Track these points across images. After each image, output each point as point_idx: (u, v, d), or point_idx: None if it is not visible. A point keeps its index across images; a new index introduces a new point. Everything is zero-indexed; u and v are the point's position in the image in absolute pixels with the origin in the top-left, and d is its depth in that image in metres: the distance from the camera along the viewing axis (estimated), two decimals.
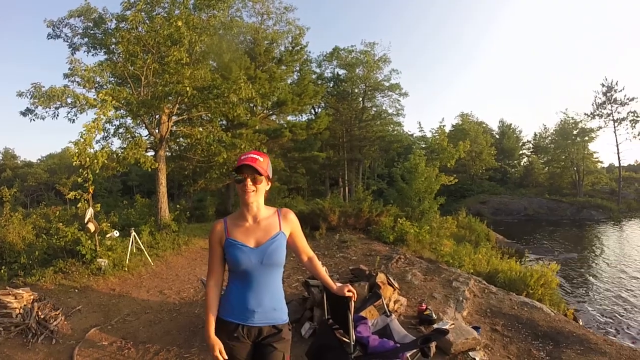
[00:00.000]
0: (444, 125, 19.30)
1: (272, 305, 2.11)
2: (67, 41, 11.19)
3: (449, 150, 16.05)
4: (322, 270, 2.51)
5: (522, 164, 51.16)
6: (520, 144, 51.75)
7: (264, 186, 2.12)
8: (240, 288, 2.09)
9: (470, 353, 4.01)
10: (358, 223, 11.73)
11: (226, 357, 2.08)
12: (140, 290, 6.89)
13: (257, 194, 2.07)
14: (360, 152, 31.95)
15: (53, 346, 4.53)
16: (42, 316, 4.85)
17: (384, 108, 31.83)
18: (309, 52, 34.23)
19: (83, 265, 7.31)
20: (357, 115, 31.55)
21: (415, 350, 3.21)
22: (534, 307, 5.45)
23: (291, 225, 2.22)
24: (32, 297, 5.12)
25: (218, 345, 2.07)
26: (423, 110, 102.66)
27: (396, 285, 5.73)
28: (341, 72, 31.20)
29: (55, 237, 8.00)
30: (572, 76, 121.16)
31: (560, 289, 10.77)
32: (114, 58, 11.22)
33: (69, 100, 9.35)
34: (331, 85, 31.08)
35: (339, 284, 2.62)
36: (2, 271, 7.01)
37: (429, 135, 33.23)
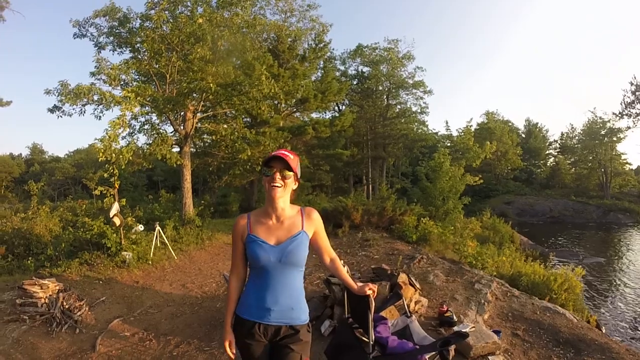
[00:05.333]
0: (470, 125, 18.87)
1: (289, 304, 2.07)
2: (93, 40, 11.45)
3: (474, 150, 15.70)
4: (344, 271, 2.45)
5: (548, 164, 49.99)
6: (547, 144, 50.61)
7: (292, 183, 2.07)
8: (258, 285, 2.07)
9: (489, 357, 3.91)
10: (381, 222, 11.59)
11: (234, 352, 2.14)
12: (163, 284, 6.99)
13: (284, 190, 2.03)
14: (384, 150, 31.67)
15: (76, 335, 4.63)
16: (66, 306, 4.96)
17: (408, 106, 31.47)
18: (333, 49, 34.21)
19: (108, 258, 7.47)
20: (381, 113, 31.25)
21: (434, 353, 3.13)
22: (556, 312, 5.29)
23: (314, 225, 2.17)
24: (57, 287, 5.23)
25: (229, 339, 2.14)
26: (448, 109, 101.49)
27: (417, 285, 5.65)
28: (365, 69, 31.03)
29: (82, 229, 8.20)
30: (601, 75, 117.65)
31: (584, 295, 10.41)
32: (139, 56, 11.42)
33: (95, 98, 9.53)
34: (355, 82, 30.89)
35: (360, 284, 2.59)
36: (29, 262, 7.23)
37: (455, 134, 32.79)
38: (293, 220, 2.11)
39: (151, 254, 8.11)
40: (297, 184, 2.12)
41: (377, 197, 18.49)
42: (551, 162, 49.87)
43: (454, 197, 14.10)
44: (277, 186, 1.99)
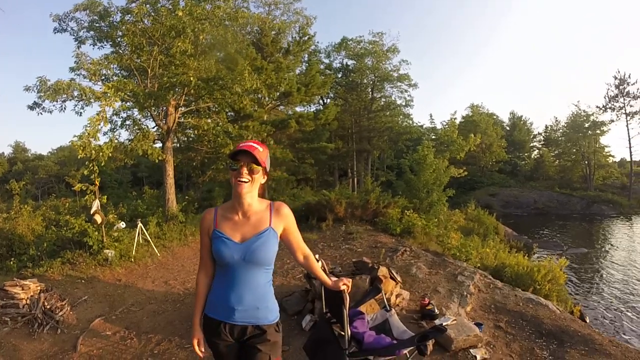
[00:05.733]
0: (455, 118, 19.02)
1: (254, 304, 1.99)
2: (73, 35, 11.23)
3: (458, 142, 15.86)
4: (319, 268, 2.41)
5: (532, 156, 50.49)
6: (531, 137, 51.08)
7: (260, 178, 1.99)
8: (223, 283, 2.02)
9: (471, 350, 3.94)
10: (365, 214, 11.64)
11: (202, 350, 2.12)
12: (145, 281, 6.99)
13: (251, 185, 1.94)
14: (369, 143, 31.76)
15: (58, 336, 4.63)
16: (48, 306, 4.95)
17: (393, 99, 31.57)
18: (318, 42, 34.07)
19: (90, 256, 7.43)
20: (366, 106, 31.30)
21: (412, 348, 3.15)
22: (539, 304, 5.35)
23: (284, 220, 2.07)
24: (39, 288, 5.21)
25: (197, 337, 2.11)
26: (433, 102, 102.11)
27: (399, 278, 5.65)
28: (350, 62, 30.99)
29: (65, 228, 8.13)
30: (585, 69, 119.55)
31: (568, 285, 10.66)
32: (120, 51, 11.27)
33: (75, 94, 9.41)
34: (340, 75, 30.88)
35: (334, 279, 2.57)
36: (11, 263, 7.17)
37: (439, 127, 33.01)
38: (260, 216, 2.02)
39: (133, 251, 8.08)
40: (265, 177, 2.05)
41: (361, 190, 18.61)
42: (535, 155, 50.40)
43: (438, 189, 14.24)
44: (244, 181, 1.91)
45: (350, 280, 2.72)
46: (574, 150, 41.87)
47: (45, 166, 45.17)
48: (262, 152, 1.95)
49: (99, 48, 11.42)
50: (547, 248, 16.88)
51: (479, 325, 4.44)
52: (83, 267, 7.06)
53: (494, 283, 6.24)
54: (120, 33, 10.46)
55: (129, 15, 10.24)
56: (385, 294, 4.92)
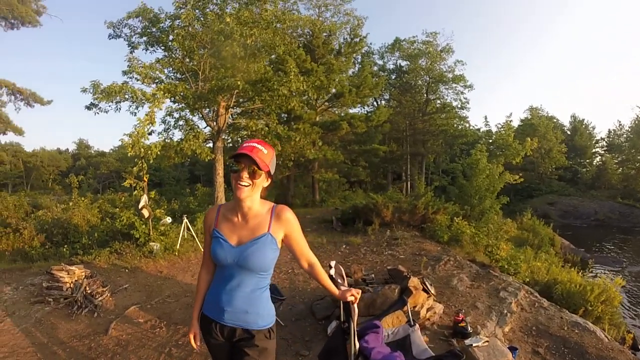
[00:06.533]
0: (510, 120, 18.07)
1: (243, 307, 1.95)
2: (127, 40, 11.97)
3: (514, 146, 15.02)
4: (324, 277, 2.27)
5: (594, 163, 46.68)
6: (593, 142, 47.34)
7: (263, 182, 1.90)
8: (218, 283, 2.02)
9: None
10: (413, 220, 11.32)
11: (198, 344, 2.17)
12: (185, 274, 7.25)
13: (252, 189, 1.85)
14: (423, 146, 31.08)
15: (94, 319, 4.95)
16: (89, 291, 5.30)
17: (448, 101, 30.51)
18: (371, 43, 33.73)
19: (136, 248, 7.86)
20: (420, 108, 30.64)
21: None
22: (586, 329, 4.83)
23: (285, 226, 1.98)
24: (83, 273, 5.61)
25: (193, 332, 2.16)
26: (486, 104, 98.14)
27: (432, 291, 5.31)
28: (403, 63, 30.44)
29: (118, 220, 8.67)
30: None
31: (624, 308, 9.70)
32: (173, 54, 11.85)
33: (127, 96, 10.02)
34: (394, 77, 30.49)
35: (343, 288, 2.48)
36: (64, 249, 7.75)
37: (494, 130, 31.64)
38: (259, 220, 1.95)
39: (178, 245, 8.41)
40: (269, 181, 1.95)
41: (412, 195, 18.21)
42: (597, 161, 46.65)
43: (492, 196, 13.58)
44: (244, 185, 1.82)
45: (360, 291, 2.58)
46: (639, 157, 38.52)
47: (107, 162, 48.69)
48: (266, 155, 1.86)
49: (150, 52, 12.12)
50: (604, 264, 15.46)
51: (513, 349, 4.05)
52: (128, 258, 7.49)
53: (539, 302, 5.74)
54: (171, 37, 10.98)
55: (179, 21, 10.74)
56: (415, 307, 4.73)
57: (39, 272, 6.32)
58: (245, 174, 1.82)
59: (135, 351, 4.21)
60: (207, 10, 10.73)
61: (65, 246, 8.00)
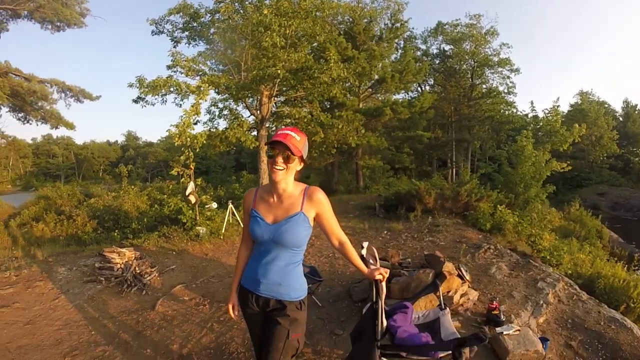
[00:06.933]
0: (558, 106, 17.08)
1: (277, 280, 2.14)
2: (169, 36, 12.45)
3: (561, 132, 14.26)
4: (354, 255, 2.44)
5: None
6: None
7: (296, 166, 2.09)
8: (255, 258, 2.22)
9: None
10: (455, 207, 11.11)
11: (236, 314, 2.41)
12: (230, 257, 7.54)
13: (286, 173, 2.04)
14: (469, 132, 30.15)
15: (142, 296, 5.31)
16: (138, 271, 5.68)
17: (494, 86, 29.35)
18: (413, 28, 32.90)
19: (183, 232, 8.28)
20: (465, 93, 29.69)
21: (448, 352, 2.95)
22: (623, 325, 4.62)
23: (316, 206, 2.15)
24: (133, 255, 6.00)
25: (232, 302, 2.40)
26: (534, 88, 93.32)
27: (467, 277, 5.33)
28: (447, 47, 29.58)
29: (166, 206, 9.13)
30: None
31: None
32: (214, 47, 12.18)
33: (172, 89, 10.43)
34: (437, 62, 29.72)
35: (372, 267, 2.63)
36: (115, 234, 8.28)
37: (541, 115, 30.17)
38: (293, 200, 2.13)
39: (223, 229, 8.73)
40: (302, 164, 2.13)
41: (456, 182, 17.81)
42: None
43: (537, 184, 13.04)
44: (279, 169, 2.01)
45: (388, 270, 2.70)
46: None
47: (155, 152, 50.92)
48: (298, 141, 2.03)
49: (193, 46, 12.57)
50: None
51: (544, 340, 3.98)
52: (176, 241, 7.89)
53: (578, 294, 5.55)
54: (212, 30, 11.28)
55: (218, 14, 11.01)
56: (448, 292, 4.76)
57: (91, 255, 6.80)
58: (280, 159, 2.01)
59: (180, 325, 4.50)
60: (246, 2, 10.92)
61: (116, 231, 8.54)
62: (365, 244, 3.14)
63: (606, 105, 43.55)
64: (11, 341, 4.10)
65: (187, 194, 8.46)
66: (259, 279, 2.15)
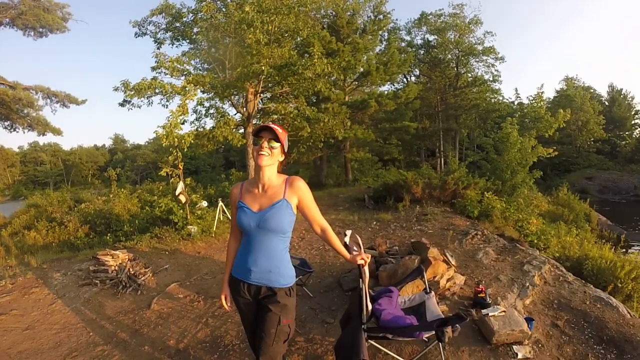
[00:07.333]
0: (542, 92, 17.26)
1: (267, 267, 2.28)
2: (152, 37, 12.42)
3: (546, 118, 14.48)
4: (336, 240, 2.57)
5: (634, 135, 44.13)
6: (633, 113, 44.74)
7: (278, 154, 2.25)
8: (244, 247, 2.36)
9: (514, 347, 3.69)
10: (443, 196, 11.26)
11: (229, 305, 2.52)
12: (222, 254, 7.60)
13: (270, 159, 2.20)
14: (456, 121, 30.42)
15: (138, 296, 5.41)
16: (132, 272, 5.77)
17: (479, 74, 29.59)
18: (397, 19, 32.95)
19: (175, 232, 8.35)
20: (451, 83, 29.97)
21: (433, 332, 3.07)
22: (608, 304, 4.73)
23: (298, 193, 2.30)
24: (127, 257, 6.09)
25: (224, 293, 2.52)
26: (517, 74, 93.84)
27: (453, 262, 5.51)
28: (431, 38, 29.77)
29: (157, 207, 9.19)
30: None
31: None
32: (198, 46, 12.19)
33: (157, 91, 10.46)
34: (422, 52, 29.86)
35: (355, 253, 2.78)
36: (107, 237, 8.34)
37: (525, 102, 30.55)
38: (276, 189, 2.28)
39: (214, 227, 8.83)
40: (283, 156, 2.31)
41: (444, 171, 17.98)
42: (637, 133, 44.25)
43: (523, 170, 13.26)
44: (264, 154, 2.17)
45: (369, 256, 2.85)
46: None
47: (143, 154, 50.71)
48: (281, 133, 2.22)
49: (177, 46, 12.55)
50: None
51: (529, 320, 4.10)
52: (168, 241, 7.98)
53: (564, 276, 5.68)
54: (195, 30, 11.29)
55: (201, 13, 11.01)
56: (435, 277, 4.89)
57: (85, 259, 6.85)
58: (265, 145, 2.18)
59: (176, 322, 4.62)
60: (228, 1, 10.94)
61: (109, 235, 8.60)
62: (349, 232, 3.25)
63: (591, 90, 44.10)
64: (11, 347, 4.20)
65: (177, 194, 8.54)
66: (250, 268, 2.28)
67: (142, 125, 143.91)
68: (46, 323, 4.73)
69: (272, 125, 2.20)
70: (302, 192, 2.31)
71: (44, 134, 20.04)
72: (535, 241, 8.69)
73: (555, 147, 14.86)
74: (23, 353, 4.08)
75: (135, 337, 4.31)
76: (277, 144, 2.21)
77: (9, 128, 19.05)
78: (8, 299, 5.37)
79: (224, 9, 11.01)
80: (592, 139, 38.86)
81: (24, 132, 19.54)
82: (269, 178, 2.28)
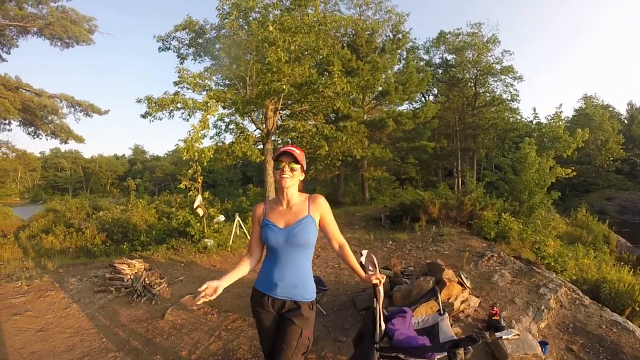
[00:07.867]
0: (560, 111, 17.13)
1: (293, 281, 2.36)
2: (176, 52, 12.73)
3: (564, 138, 14.31)
4: (352, 258, 2.63)
5: None
6: None
7: (299, 175, 2.40)
8: (269, 262, 2.44)
9: None
10: (460, 216, 11.13)
11: (209, 294, 2.32)
12: None
13: (292, 180, 2.34)
14: (474, 141, 30.16)
15: (152, 306, 5.46)
16: (148, 282, 5.83)
17: (497, 94, 29.43)
18: (415, 38, 33.18)
19: (192, 244, 8.44)
20: (469, 102, 29.85)
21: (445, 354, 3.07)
22: (625, 328, 4.65)
23: (320, 209, 2.43)
24: (142, 266, 6.17)
25: (209, 284, 2.33)
26: (535, 94, 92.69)
27: (468, 284, 5.45)
28: (450, 57, 29.80)
29: (174, 219, 9.31)
30: None
31: None
32: (220, 62, 12.45)
33: (179, 105, 10.69)
34: (440, 71, 29.91)
35: (370, 272, 2.80)
36: (124, 246, 8.46)
37: (544, 121, 30.20)
38: (300, 207, 2.40)
39: (230, 241, 8.89)
40: (303, 174, 2.45)
41: (461, 191, 17.80)
42: None
43: (541, 191, 13.07)
44: (286, 177, 2.31)
45: (384, 275, 2.88)
46: None
47: (162, 166, 51.37)
48: (299, 155, 2.36)
49: (199, 62, 12.83)
50: None
51: (543, 344, 4.05)
52: (184, 253, 8.06)
53: (580, 299, 5.61)
54: (218, 46, 11.56)
55: (224, 30, 11.27)
56: (449, 298, 4.86)
57: (101, 266, 6.95)
58: (286, 168, 2.33)
59: (189, 333, 4.65)
60: (250, 18, 11.18)
61: (125, 243, 8.73)
62: (365, 252, 3.29)
63: (610, 109, 43.49)
64: (24, 347, 4.28)
65: (194, 207, 8.65)
66: (276, 282, 2.36)
67: (162, 137, 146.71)
68: (60, 326, 4.81)
69: (291, 150, 2.33)
70: (323, 209, 2.44)
71: (66, 142, 20.44)
72: (552, 264, 8.54)
73: (573, 167, 14.64)
74: (35, 354, 4.15)
75: (147, 346, 4.34)
76: (297, 166, 2.35)
77: (32, 134, 19.43)
78: (23, 299, 5.48)
79: (246, 27, 11.24)
80: (612, 159, 38.05)
81: (47, 139, 19.95)
82: (292, 195, 2.40)
